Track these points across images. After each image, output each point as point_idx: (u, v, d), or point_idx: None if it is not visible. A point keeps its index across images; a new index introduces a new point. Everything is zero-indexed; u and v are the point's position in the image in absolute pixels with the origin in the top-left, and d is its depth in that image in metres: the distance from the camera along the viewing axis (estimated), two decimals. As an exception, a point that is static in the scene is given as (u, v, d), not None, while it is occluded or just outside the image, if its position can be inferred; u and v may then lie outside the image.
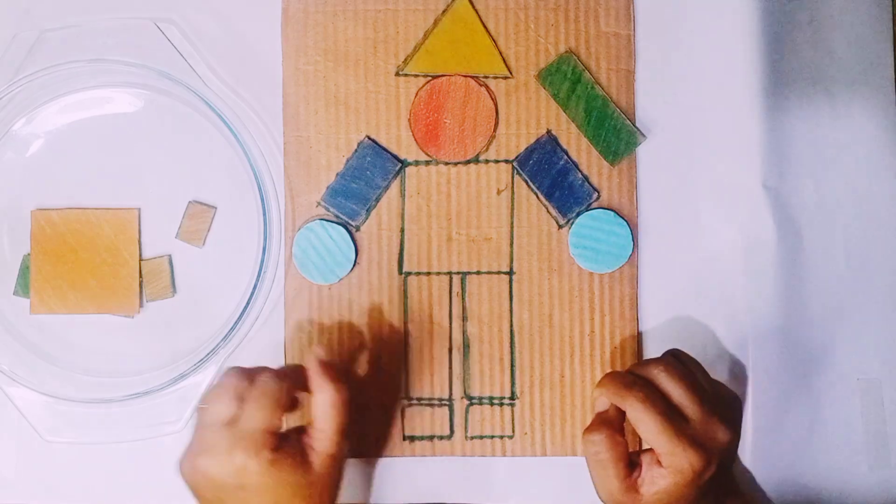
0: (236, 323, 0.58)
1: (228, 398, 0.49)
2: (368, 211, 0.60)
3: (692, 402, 0.52)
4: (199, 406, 0.51)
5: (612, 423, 0.54)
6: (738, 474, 0.59)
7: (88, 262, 0.59)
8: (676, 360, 0.55)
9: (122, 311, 0.59)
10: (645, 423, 0.51)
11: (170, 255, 0.60)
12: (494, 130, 0.60)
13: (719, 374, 0.60)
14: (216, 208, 0.60)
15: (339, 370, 0.52)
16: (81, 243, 0.59)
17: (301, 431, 0.51)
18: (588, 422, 0.59)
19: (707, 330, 0.61)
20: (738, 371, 0.60)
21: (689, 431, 0.51)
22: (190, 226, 0.60)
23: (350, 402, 0.51)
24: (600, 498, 0.54)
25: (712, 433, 0.51)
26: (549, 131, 0.61)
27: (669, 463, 0.51)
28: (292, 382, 0.51)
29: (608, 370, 0.60)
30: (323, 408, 0.51)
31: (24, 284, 0.60)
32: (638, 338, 0.60)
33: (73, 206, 0.60)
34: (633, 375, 0.53)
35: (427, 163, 0.60)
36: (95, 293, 0.59)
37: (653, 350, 0.60)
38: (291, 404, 0.51)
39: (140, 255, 0.59)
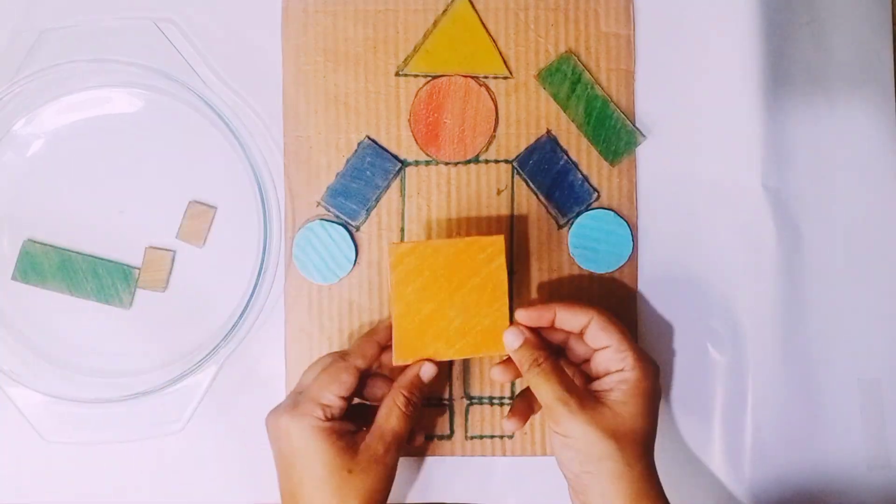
0: (236, 323, 0.58)
1: (315, 370, 0.54)
2: (368, 211, 0.60)
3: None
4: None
5: (536, 343, 0.53)
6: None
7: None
8: None
9: (497, 350, 0.54)
10: (609, 331, 0.52)
11: (174, 252, 0.60)
12: (494, 130, 0.60)
13: (719, 373, 0.60)
14: (216, 208, 0.60)
15: (422, 389, 0.54)
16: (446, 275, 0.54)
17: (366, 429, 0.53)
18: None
19: (707, 330, 0.61)
20: (737, 371, 0.60)
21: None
22: (190, 226, 0.60)
23: (412, 429, 0.54)
24: (555, 430, 0.51)
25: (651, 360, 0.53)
26: (549, 131, 0.61)
27: (638, 365, 0.51)
28: (363, 360, 0.54)
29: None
30: (388, 410, 0.53)
31: (22, 270, 0.59)
32: (638, 338, 0.60)
33: (73, 206, 0.60)
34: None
35: (427, 163, 0.60)
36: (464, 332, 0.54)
37: (652, 350, 0.60)
38: (358, 388, 0.54)
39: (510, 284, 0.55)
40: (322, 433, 0.51)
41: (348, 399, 0.53)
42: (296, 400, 0.52)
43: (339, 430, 0.52)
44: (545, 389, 0.51)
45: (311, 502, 0.51)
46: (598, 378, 0.53)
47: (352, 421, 0.53)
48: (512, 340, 0.53)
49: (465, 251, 0.54)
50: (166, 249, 0.60)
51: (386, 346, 0.55)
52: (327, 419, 0.51)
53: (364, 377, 0.54)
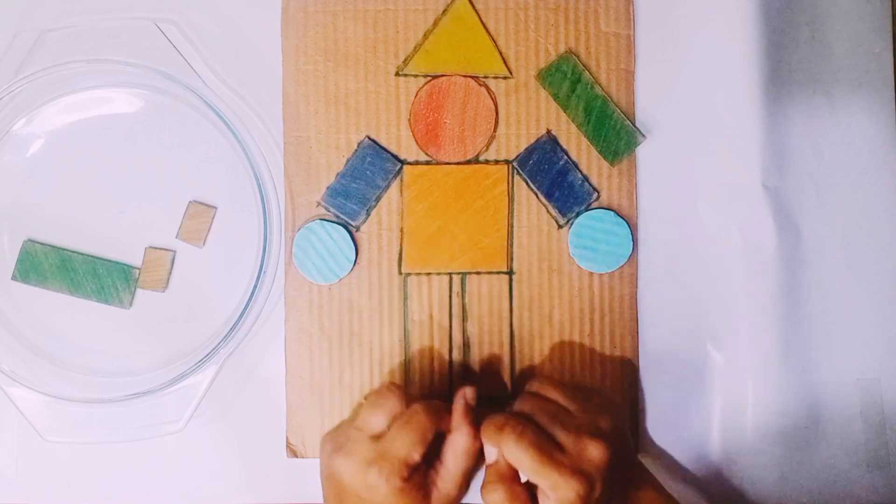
0: (236, 323, 0.58)
1: (384, 414, 0.52)
2: (368, 211, 0.60)
3: (559, 428, 0.51)
4: (362, 401, 0.54)
5: (504, 475, 0.51)
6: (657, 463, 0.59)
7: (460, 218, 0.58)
8: (539, 388, 0.55)
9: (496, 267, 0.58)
10: (521, 462, 0.50)
11: (175, 252, 0.60)
12: (494, 130, 0.60)
13: (719, 373, 0.60)
14: (216, 208, 0.60)
15: (478, 416, 0.53)
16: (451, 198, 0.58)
17: (429, 465, 0.52)
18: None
19: (707, 330, 0.61)
20: (737, 371, 0.60)
21: (565, 459, 0.50)
22: (190, 226, 0.60)
23: (480, 450, 0.53)
24: None
25: (587, 454, 0.50)
26: (549, 131, 0.61)
27: (556, 496, 0.49)
28: (438, 418, 0.52)
29: (608, 370, 0.60)
30: (456, 450, 0.52)
31: (22, 270, 0.59)
32: (638, 338, 0.60)
33: (73, 206, 0.60)
34: (503, 415, 0.52)
35: (427, 163, 0.60)
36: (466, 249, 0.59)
37: (652, 349, 0.60)
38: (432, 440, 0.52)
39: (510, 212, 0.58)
40: (406, 493, 0.50)
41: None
42: (379, 452, 0.51)
43: (417, 482, 0.51)
44: None
45: None
46: None
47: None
48: (488, 454, 0.53)
49: (473, 176, 0.59)
50: (166, 249, 0.60)
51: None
52: (409, 476, 0.50)
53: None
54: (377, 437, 0.52)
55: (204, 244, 0.60)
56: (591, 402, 0.54)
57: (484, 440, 0.52)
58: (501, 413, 0.53)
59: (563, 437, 0.51)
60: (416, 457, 0.51)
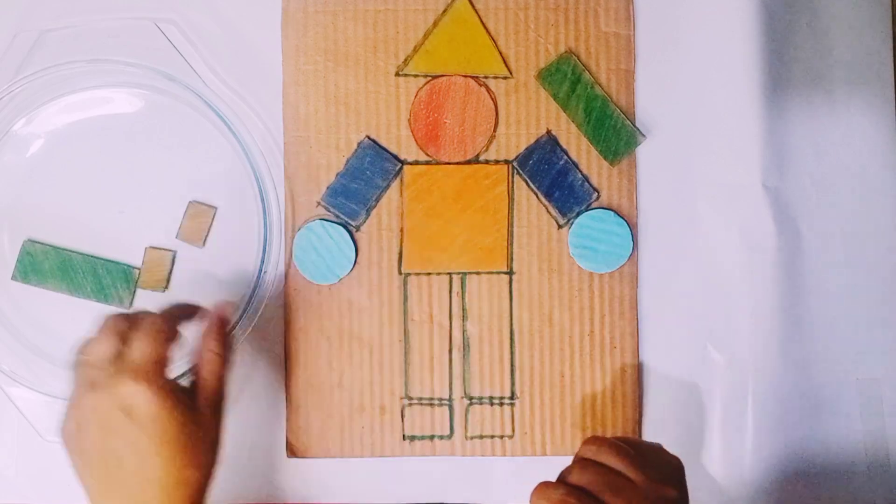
0: (236, 323, 0.58)
1: (110, 337, 0.50)
2: (368, 211, 0.60)
3: (622, 500, 0.47)
4: (77, 357, 0.51)
5: None
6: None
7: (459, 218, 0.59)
8: (598, 452, 0.50)
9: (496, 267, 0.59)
10: None
11: (175, 252, 0.60)
12: (494, 130, 0.60)
13: (719, 373, 0.60)
14: (216, 208, 0.60)
15: (228, 329, 0.54)
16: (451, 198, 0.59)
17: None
18: (587, 423, 0.59)
19: (707, 330, 0.61)
20: (737, 371, 0.60)
21: None
22: (190, 226, 0.60)
23: (230, 361, 0.53)
24: None
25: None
26: (549, 131, 0.61)
27: None
28: (172, 318, 0.53)
29: (608, 370, 0.60)
30: (208, 358, 0.52)
31: (22, 270, 0.59)
32: (638, 338, 0.60)
33: (73, 206, 0.60)
34: (561, 489, 0.48)
35: (427, 163, 0.60)
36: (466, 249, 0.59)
37: (653, 350, 0.60)
38: (175, 337, 0.52)
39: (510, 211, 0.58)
40: (170, 392, 0.49)
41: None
42: (124, 364, 0.49)
43: (178, 385, 0.50)
44: None
45: (163, 464, 0.48)
46: None
47: None
48: None
49: (473, 176, 0.59)
50: (166, 249, 0.60)
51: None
52: (165, 375, 0.50)
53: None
54: (115, 358, 0.49)
55: (204, 244, 0.60)
56: (653, 467, 0.50)
57: None
58: (558, 485, 0.48)
59: None
60: (161, 352, 0.50)
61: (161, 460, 0.48)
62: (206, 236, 0.60)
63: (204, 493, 0.50)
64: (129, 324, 0.51)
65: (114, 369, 0.49)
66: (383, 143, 0.60)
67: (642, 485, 0.48)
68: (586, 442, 0.51)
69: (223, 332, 0.54)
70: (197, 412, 0.50)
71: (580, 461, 0.50)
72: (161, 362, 0.50)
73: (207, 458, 0.50)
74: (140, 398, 0.48)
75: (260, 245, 0.58)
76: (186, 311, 0.55)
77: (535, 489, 0.48)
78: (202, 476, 0.50)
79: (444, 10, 0.60)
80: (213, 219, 0.60)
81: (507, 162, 0.60)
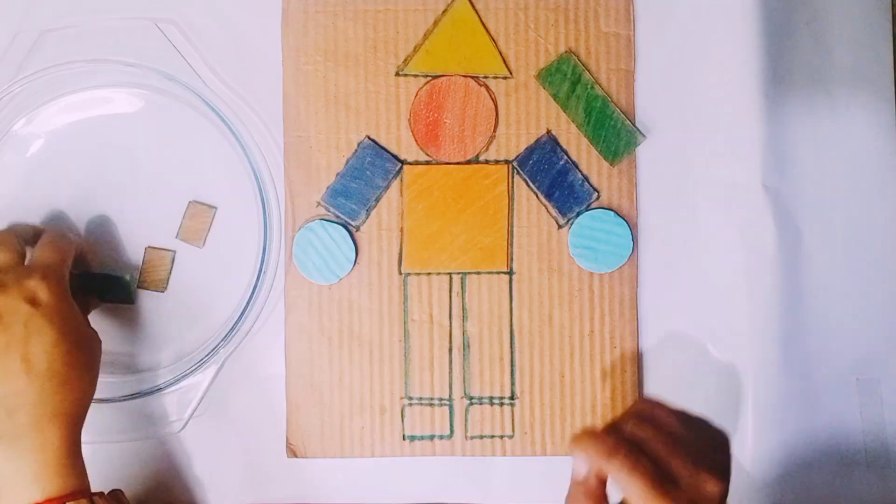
0: (236, 323, 0.58)
1: (15, 244, 0.54)
2: (368, 211, 0.60)
3: (677, 460, 0.47)
4: None
5: (594, 495, 0.49)
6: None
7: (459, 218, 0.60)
8: (653, 411, 0.51)
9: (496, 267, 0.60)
10: (633, 491, 0.46)
11: (175, 252, 0.60)
12: (494, 130, 0.60)
13: (719, 373, 0.60)
14: (216, 208, 0.60)
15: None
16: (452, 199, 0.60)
17: None
18: (588, 423, 0.59)
19: (707, 330, 0.61)
20: (737, 371, 0.60)
21: (680, 495, 0.47)
22: (190, 226, 0.60)
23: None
24: None
25: (702, 489, 0.47)
26: (549, 131, 0.61)
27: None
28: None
29: (608, 370, 0.60)
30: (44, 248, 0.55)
31: None
32: (638, 338, 0.60)
33: (73, 206, 0.60)
34: (614, 436, 0.48)
35: (427, 163, 0.60)
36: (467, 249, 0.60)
37: (652, 349, 0.60)
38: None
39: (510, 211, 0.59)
40: (70, 292, 0.53)
41: None
42: (30, 267, 0.53)
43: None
44: None
45: (70, 368, 0.51)
46: None
47: None
48: (578, 468, 0.50)
49: (473, 176, 0.59)
50: (166, 249, 0.60)
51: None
52: None
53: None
54: (20, 262, 0.54)
55: (204, 244, 0.60)
56: (704, 435, 0.50)
57: (578, 454, 0.49)
58: (611, 433, 0.49)
59: (681, 469, 0.47)
60: (65, 256, 0.54)
61: (61, 353, 0.50)
62: (206, 236, 0.60)
63: (81, 419, 0.52)
64: (32, 230, 0.57)
65: (21, 269, 0.52)
66: (383, 143, 0.60)
67: (694, 443, 0.49)
68: (642, 401, 0.53)
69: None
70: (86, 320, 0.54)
71: (636, 416, 0.50)
72: (64, 264, 0.54)
73: (91, 374, 0.53)
74: (44, 291, 0.51)
75: (260, 245, 0.58)
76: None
77: (581, 436, 0.49)
78: (85, 391, 0.52)
79: (444, 10, 0.60)
80: (213, 219, 0.60)
81: (507, 162, 0.60)
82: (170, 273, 0.60)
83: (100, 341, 0.54)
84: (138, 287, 0.60)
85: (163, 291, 0.60)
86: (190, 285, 0.60)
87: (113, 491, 0.54)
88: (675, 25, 0.61)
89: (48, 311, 0.50)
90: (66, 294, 0.52)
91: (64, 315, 0.51)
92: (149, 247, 0.60)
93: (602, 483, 0.49)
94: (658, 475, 0.47)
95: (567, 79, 0.60)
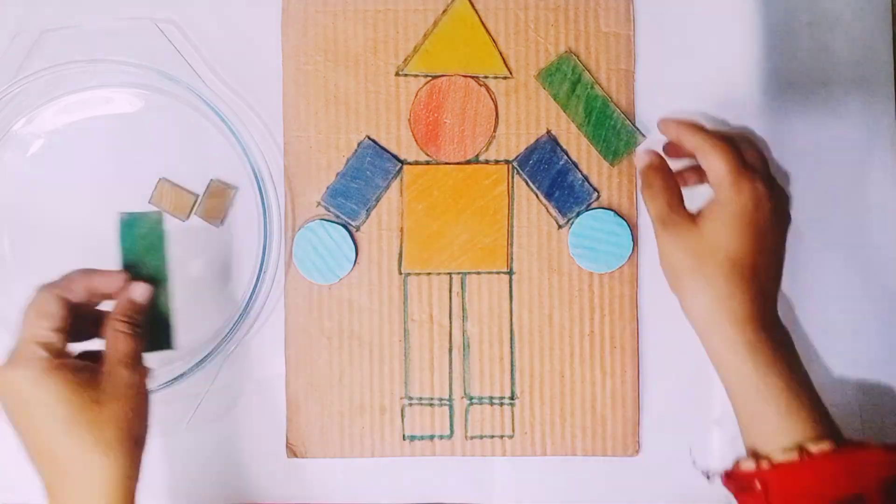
0: (236, 323, 0.58)
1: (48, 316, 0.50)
2: (368, 211, 0.60)
3: (753, 153, 0.55)
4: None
5: (667, 174, 0.56)
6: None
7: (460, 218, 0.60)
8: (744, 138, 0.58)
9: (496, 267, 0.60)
10: (718, 166, 0.53)
11: (237, 189, 0.60)
12: (494, 130, 0.60)
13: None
14: (237, 188, 0.60)
15: (138, 309, 0.53)
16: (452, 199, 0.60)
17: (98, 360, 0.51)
18: (587, 423, 0.59)
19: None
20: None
21: (758, 176, 0.53)
22: (211, 204, 0.59)
23: (140, 339, 0.52)
24: (657, 221, 0.55)
25: (775, 183, 0.55)
26: (549, 131, 0.61)
27: (735, 188, 0.52)
28: (64, 290, 0.51)
29: (608, 370, 0.60)
30: (113, 337, 0.51)
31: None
32: (638, 337, 0.60)
33: (74, 205, 0.60)
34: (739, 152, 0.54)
35: (427, 163, 0.60)
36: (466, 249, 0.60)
37: (652, 350, 0.60)
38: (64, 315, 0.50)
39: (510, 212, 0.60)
40: (54, 373, 0.48)
41: (68, 333, 0.50)
42: (11, 352, 0.49)
43: (72, 365, 0.49)
44: (650, 207, 0.55)
45: (67, 447, 0.48)
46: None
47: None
48: (641, 157, 0.57)
49: (472, 176, 0.59)
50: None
51: (101, 285, 0.53)
52: (55, 357, 0.48)
53: (91, 320, 0.53)
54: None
55: (222, 223, 0.60)
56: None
57: (665, 126, 0.58)
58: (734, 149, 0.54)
59: (756, 162, 0.55)
60: (42, 332, 0.49)
61: (61, 441, 0.48)
62: (225, 216, 0.60)
63: (127, 481, 0.49)
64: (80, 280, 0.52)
65: (9, 354, 0.49)
66: (383, 143, 0.60)
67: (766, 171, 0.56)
68: (715, 134, 0.55)
69: (132, 311, 0.53)
70: (99, 391, 0.49)
71: (739, 141, 0.56)
72: (47, 344, 0.49)
73: (124, 446, 0.49)
74: (28, 380, 0.48)
75: (260, 245, 0.58)
76: (96, 283, 0.53)
77: (667, 118, 0.59)
78: (115, 462, 0.48)
79: (444, 10, 0.60)
80: (233, 198, 0.60)
81: (507, 162, 0.60)
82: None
83: (124, 403, 0.50)
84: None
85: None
86: (190, 285, 0.60)
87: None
88: (675, 25, 0.61)
89: (41, 405, 0.48)
90: (47, 378, 0.48)
91: (51, 406, 0.48)
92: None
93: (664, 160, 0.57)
94: (741, 155, 0.54)
95: (567, 79, 0.60)
